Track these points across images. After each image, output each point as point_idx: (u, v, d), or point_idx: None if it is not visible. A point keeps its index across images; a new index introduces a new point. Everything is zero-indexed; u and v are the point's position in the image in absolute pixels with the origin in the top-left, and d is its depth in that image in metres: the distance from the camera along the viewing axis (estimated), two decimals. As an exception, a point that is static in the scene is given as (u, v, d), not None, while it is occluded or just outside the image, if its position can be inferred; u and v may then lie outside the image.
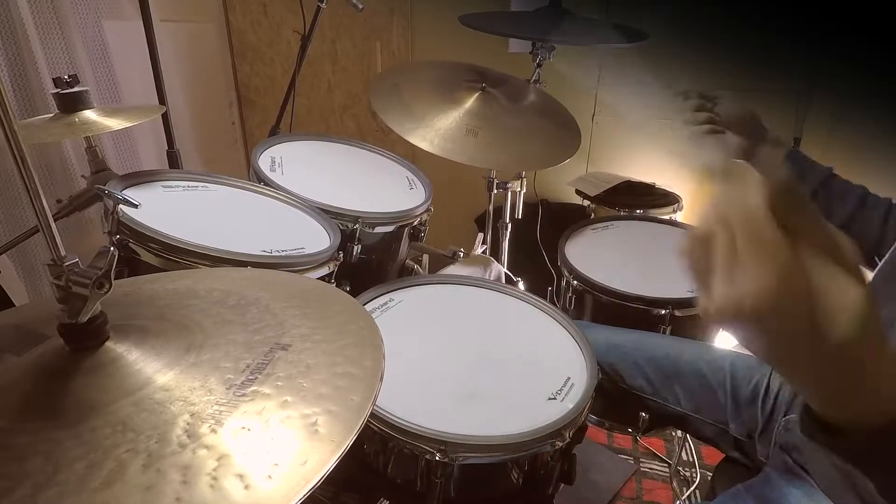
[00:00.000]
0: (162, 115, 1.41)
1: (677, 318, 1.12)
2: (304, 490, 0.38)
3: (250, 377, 0.48)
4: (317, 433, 0.43)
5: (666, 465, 1.73)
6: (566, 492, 0.86)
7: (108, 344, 0.50)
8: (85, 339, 0.49)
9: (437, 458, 0.72)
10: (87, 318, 0.47)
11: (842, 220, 0.97)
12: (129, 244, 0.85)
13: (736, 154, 1.02)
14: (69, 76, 1.01)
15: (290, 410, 0.45)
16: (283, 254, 0.95)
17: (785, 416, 0.93)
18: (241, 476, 0.39)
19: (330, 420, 0.44)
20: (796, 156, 1.03)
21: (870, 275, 0.84)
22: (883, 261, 0.83)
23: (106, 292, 0.47)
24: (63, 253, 0.47)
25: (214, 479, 0.39)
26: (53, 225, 0.46)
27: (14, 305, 1.29)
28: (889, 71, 1.47)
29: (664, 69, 2.04)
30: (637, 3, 1.96)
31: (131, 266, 0.86)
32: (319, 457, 0.41)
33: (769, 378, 0.98)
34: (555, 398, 0.84)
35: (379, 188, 1.32)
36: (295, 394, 0.47)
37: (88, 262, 0.48)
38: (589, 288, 1.18)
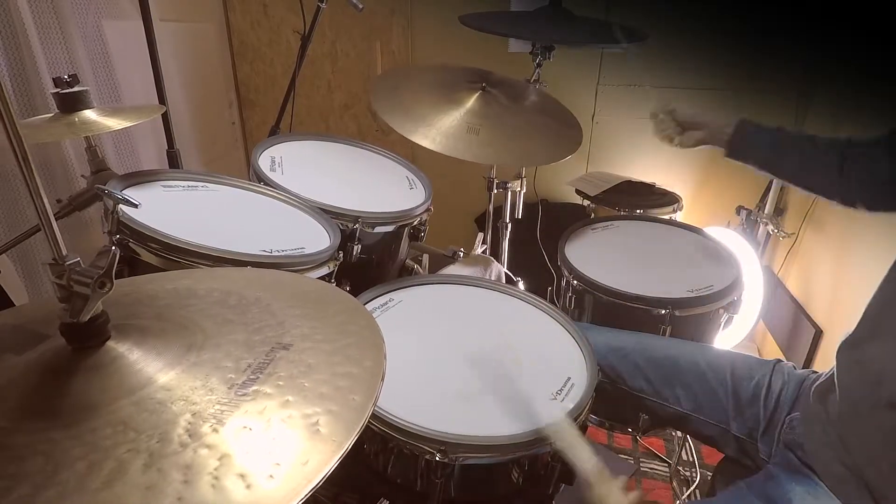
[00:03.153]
0: (162, 115, 1.41)
1: (677, 318, 1.12)
2: (306, 490, 0.38)
3: (251, 377, 0.48)
4: (318, 433, 0.43)
5: (666, 464, 1.73)
6: (566, 492, 0.86)
7: (109, 343, 0.50)
8: (86, 338, 0.49)
9: (438, 459, 0.72)
10: (88, 317, 0.47)
11: (791, 172, 1.05)
12: (129, 244, 0.85)
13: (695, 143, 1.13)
14: (69, 76, 1.01)
15: (292, 410, 0.45)
16: (283, 254, 0.95)
17: (789, 414, 0.93)
18: (242, 476, 0.39)
19: (331, 420, 0.44)
20: (744, 126, 1.07)
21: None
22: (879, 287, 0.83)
23: (107, 292, 0.47)
24: (64, 252, 0.47)
25: (216, 478, 0.39)
26: (55, 224, 0.46)
27: (14, 305, 1.29)
28: (889, 71, 1.46)
29: (664, 69, 2.04)
30: (637, 3, 1.96)
31: (131, 266, 0.86)
32: (321, 457, 0.41)
33: (770, 377, 0.98)
34: (555, 398, 0.84)
35: (379, 188, 1.32)
36: (296, 393, 0.47)
37: (89, 262, 0.48)
38: (589, 288, 1.19)
